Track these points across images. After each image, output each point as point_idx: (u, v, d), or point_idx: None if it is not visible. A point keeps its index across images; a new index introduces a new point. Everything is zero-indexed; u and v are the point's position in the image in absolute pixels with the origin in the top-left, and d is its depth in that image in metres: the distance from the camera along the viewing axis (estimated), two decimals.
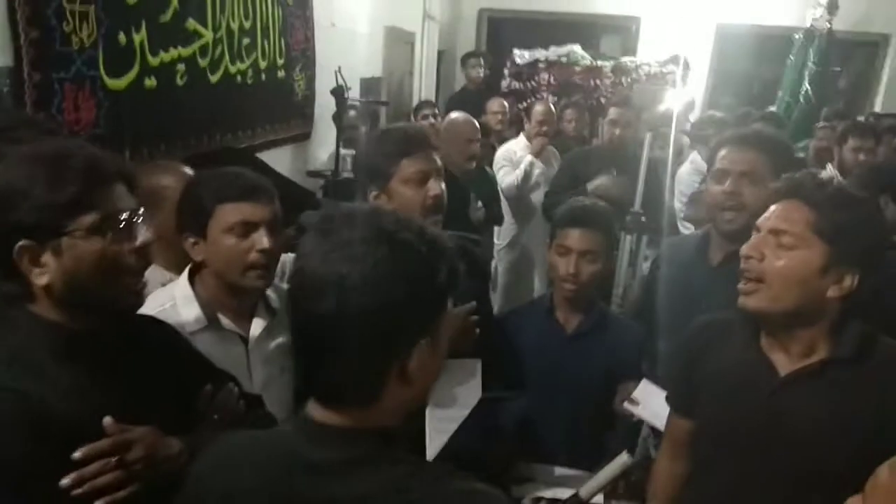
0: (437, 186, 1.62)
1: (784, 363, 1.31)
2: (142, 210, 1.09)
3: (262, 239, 1.44)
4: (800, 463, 1.27)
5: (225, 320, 1.51)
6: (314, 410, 0.86)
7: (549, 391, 1.84)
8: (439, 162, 1.67)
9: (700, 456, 1.45)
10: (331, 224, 0.82)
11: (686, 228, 3.26)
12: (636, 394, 1.75)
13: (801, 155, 4.44)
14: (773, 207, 1.31)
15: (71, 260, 1.00)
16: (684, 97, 5.02)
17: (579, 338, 1.88)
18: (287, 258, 2.03)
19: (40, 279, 1.01)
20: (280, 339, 1.60)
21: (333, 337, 0.80)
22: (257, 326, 1.55)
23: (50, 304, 1.03)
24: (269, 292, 1.60)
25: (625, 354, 1.88)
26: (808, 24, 5.84)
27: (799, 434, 1.27)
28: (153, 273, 1.74)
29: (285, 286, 1.75)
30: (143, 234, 1.08)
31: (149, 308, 1.44)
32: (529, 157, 3.89)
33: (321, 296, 0.79)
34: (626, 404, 1.76)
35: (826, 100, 5.80)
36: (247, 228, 1.44)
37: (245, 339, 1.53)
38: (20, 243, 0.98)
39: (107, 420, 1.02)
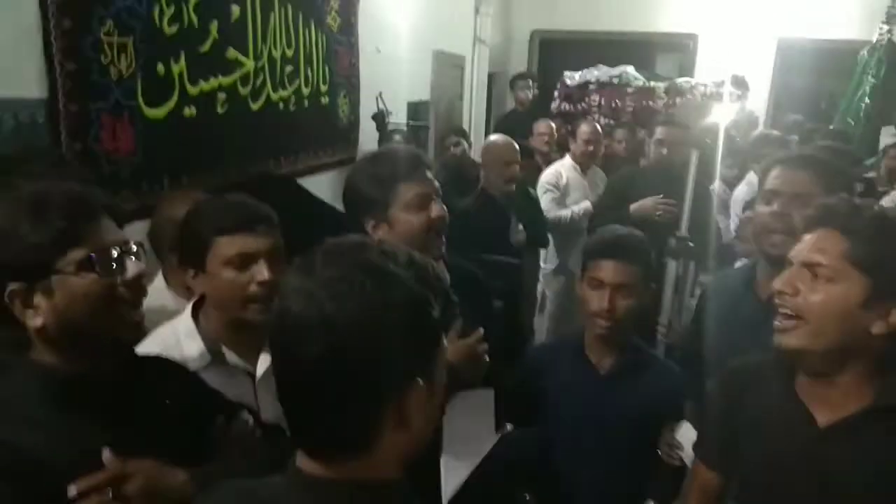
0: (438, 208, 1.57)
1: (823, 412, 1.19)
2: (132, 242, 1.08)
3: (261, 271, 1.40)
4: None
5: (230, 355, 1.47)
6: (303, 461, 0.81)
7: (578, 435, 1.71)
8: (437, 183, 1.61)
9: None
10: (313, 261, 0.78)
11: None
12: (679, 437, 1.63)
13: (872, 174, 4.20)
14: (805, 238, 1.21)
15: (62, 298, 0.99)
16: (740, 113, 4.83)
17: (613, 380, 1.74)
18: None
19: (34, 321, 1.00)
20: None
21: (321, 382, 0.76)
22: (264, 361, 1.49)
23: (46, 347, 1.03)
24: None
25: (663, 399, 1.72)
26: (874, 39, 5.57)
27: (843, 492, 1.15)
28: (174, 302, 1.76)
29: None
30: (135, 267, 1.06)
31: (152, 345, 1.43)
32: (586, 204, 3.80)
33: (305, 339, 0.74)
34: (668, 449, 1.64)
35: (890, 116, 5.51)
36: (245, 260, 1.40)
37: (252, 375, 1.49)
38: (10, 287, 0.98)
39: (106, 452, 1.00)
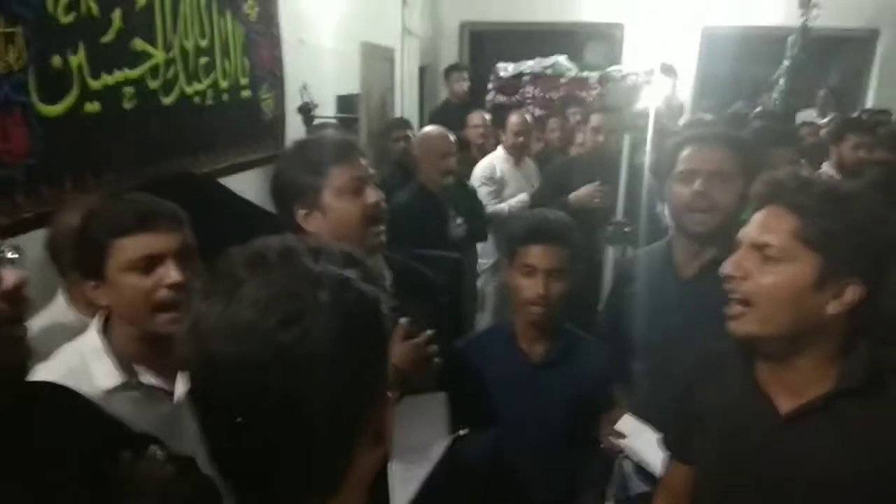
0: (374, 193, 1.47)
1: (784, 399, 1.13)
2: (6, 246, 0.92)
3: (169, 273, 1.26)
4: None
5: (146, 374, 1.32)
6: None
7: (518, 426, 1.68)
8: (372, 170, 1.52)
9: (701, 502, 1.28)
10: (233, 279, 0.61)
11: None
12: (620, 427, 1.59)
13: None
14: (754, 217, 1.14)
15: None
16: (668, 100, 4.89)
17: (547, 367, 1.72)
18: None
19: None
20: None
21: (280, 429, 0.61)
22: (185, 379, 1.37)
23: None
24: None
25: (598, 381, 1.73)
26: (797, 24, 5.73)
27: (806, 479, 1.09)
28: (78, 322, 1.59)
29: None
30: (11, 276, 0.89)
31: (54, 368, 1.28)
32: (522, 197, 3.73)
33: (254, 384, 0.59)
34: (611, 439, 1.60)
35: (803, 98, 5.71)
36: (150, 262, 1.26)
37: (171, 393, 1.35)
38: None
39: None
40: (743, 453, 1.16)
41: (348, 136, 1.66)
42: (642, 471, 1.65)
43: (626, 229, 2.60)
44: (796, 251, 1.08)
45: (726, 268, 1.15)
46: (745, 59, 6.85)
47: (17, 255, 0.92)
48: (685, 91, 6.51)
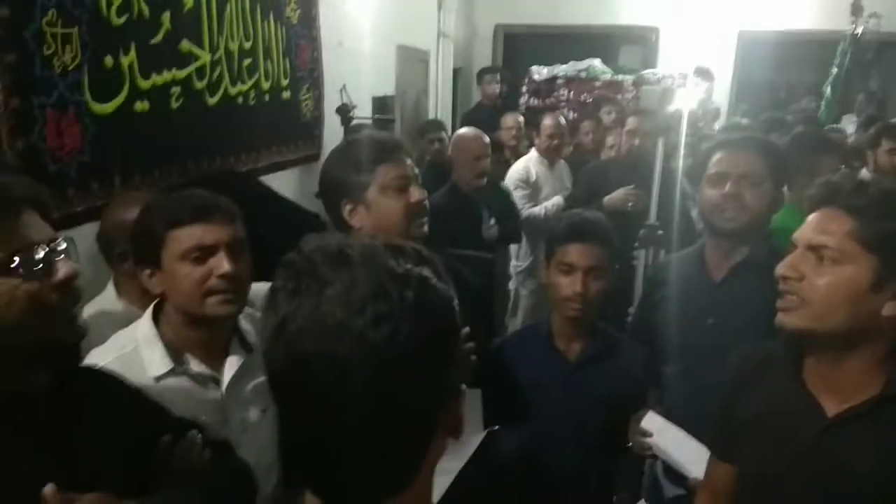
0: (418, 192, 1.52)
1: (831, 401, 1.14)
2: (61, 240, 0.95)
3: (221, 263, 1.32)
4: None
5: (194, 361, 1.38)
6: None
7: (553, 425, 1.70)
8: (416, 170, 1.57)
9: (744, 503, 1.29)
10: (314, 276, 0.61)
11: None
12: (645, 425, 1.60)
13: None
14: (809, 219, 1.15)
15: None
16: (704, 104, 4.85)
17: (583, 366, 1.74)
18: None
19: None
20: (258, 379, 1.45)
21: (368, 423, 0.61)
22: (232, 365, 1.41)
23: None
24: (245, 325, 1.47)
25: (632, 380, 1.75)
26: (839, 28, 5.64)
27: (851, 483, 1.09)
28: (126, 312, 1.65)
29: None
30: (64, 268, 0.93)
31: (108, 354, 1.34)
32: (558, 200, 3.74)
33: (344, 380, 0.59)
34: (638, 438, 1.61)
35: (849, 103, 5.62)
36: (203, 253, 1.32)
37: (219, 381, 1.40)
38: None
39: (48, 488, 0.88)
40: (788, 455, 1.17)
41: (395, 137, 1.71)
42: (671, 473, 1.66)
43: (659, 233, 2.59)
44: (853, 252, 1.08)
45: (781, 269, 1.16)
46: (781, 63, 6.77)
47: (67, 248, 0.97)
48: (721, 95, 6.44)
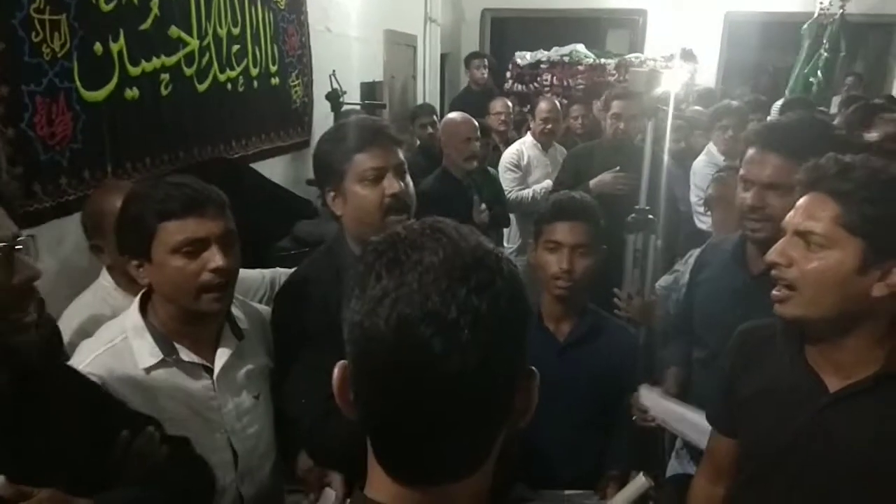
0: (394, 184, 1.47)
1: (832, 378, 1.16)
2: (24, 237, 0.94)
3: (214, 257, 1.29)
4: (852, 488, 1.13)
5: (184, 351, 1.36)
6: (383, 490, 0.66)
7: (545, 406, 1.70)
8: (401, 156, 1.52)
9: (744, 477, 1.31)
10: (416, 252, 0.61)
11: (703, 223, 3.11)
12: (643, 401, 1.63)
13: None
14: (797, 205, 1.17)
15: None
16: (689, 86, 4.86)
17: (573, 346, 1.74)
18: (277, 274, 1.93)
19: None
20: (250, 366, 1.47)
21: (463, 393, 0.60)
22: (223, 354, 1.41)
23: None
24: (236, 312, 1.47)
25: (622, 361, 1.76)
26: (816, 11, 5.66)
27: (849, 458, 1.12)
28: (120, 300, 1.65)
29: (262, 307, 1.64)
30: (24, 269, 0.92)
31: (97, 344, 1.34)
32: (547, 183, 3.75)
33: (451, 341, 0.58)
34: (640, 413, 1.65)
35: (836, 85, 5.64)
36: (196, 247, 1.29)
37: (210, 369, 1.39)
38: None
39: (0, 479, 0.87)
40: (789, 430, 1.19)
41: (379, 123, 1.64)
42: (689, 448, 1.68)
43: (650, 216, 2.60)
44: (839, 237, 1.10)
45: (771, 255, 1.17)
46: (765, 45, 6.79)
47: (30, 246, 0.95)
48: (709, 78, 6.47)
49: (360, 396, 0.65)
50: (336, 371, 0.67)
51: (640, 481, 1.41)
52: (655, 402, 1.65)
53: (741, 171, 1.67)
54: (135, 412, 1.20)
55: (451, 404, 0.61)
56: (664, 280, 2.41)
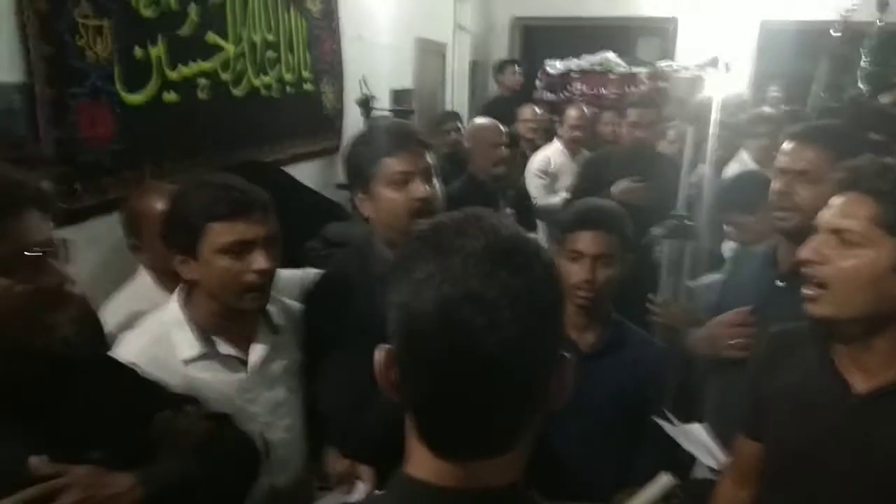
0: (421, 188, 1.48)
1: (860, 381, 1.16)
2: (58, 242, 0.97)
3: (258, 259, 1.35)
4: (880, 491, 1.12)
5: (222, 345, 1.41)
6: (424, 467, 0.69)
7: (563, 415, 1.66)
8: (430, 160, 1.54)
9: (770, 480, 1.31)
10: (460, 238, 0.65)
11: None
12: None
13: None
14: (831, 202, 1.17)
15: None
16: (732, 93, 4.80)
17: (597, 357, 1.69)
18: (308, 273, 1.96)
19: None
20: (284, 361, 1.51)
21: (502, 373, 0.63)
22: (258, 348, 1.45)
23: None
24: (271, 309, 1.51)
25: (649, 375, 1.70)
26: (840, 18, 5.55)
27: (877, 460, 1.12)
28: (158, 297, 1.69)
29: (296, 304, 1.68)
30: (55, 274, 0.95)
31: (138, 336, 1.39)
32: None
33: (492, 321, 0.61)
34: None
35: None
36: (242, 248, 1.34)
37: (246, 363, 1.44)
38: None
39: (34, 459, 0.91)
40: (816, 432, 1.19)
41: (407, 126, 1.67)
42: None
43: (687, 223, 2.58)
44: (875, 236, 1.10)
45: (803, 253, 1.17)
46: (801, 54, 6.69)
47: (63, 251, 0.98)
48: (741, 86, 6.40)
49: (405, 375, 0.68)
50: (379, 354, 0.69)
51: (663, 479, 1.40)
52: (681, 434, 1.62)
53: (776, 163, 1.67)
54: (174, 393, 1.24)
55: (492, 381, 0.64)
56: (705, 279, 2.38)
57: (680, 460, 1.71)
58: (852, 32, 5.52)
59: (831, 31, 5.54)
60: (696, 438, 1.61)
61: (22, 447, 0.93)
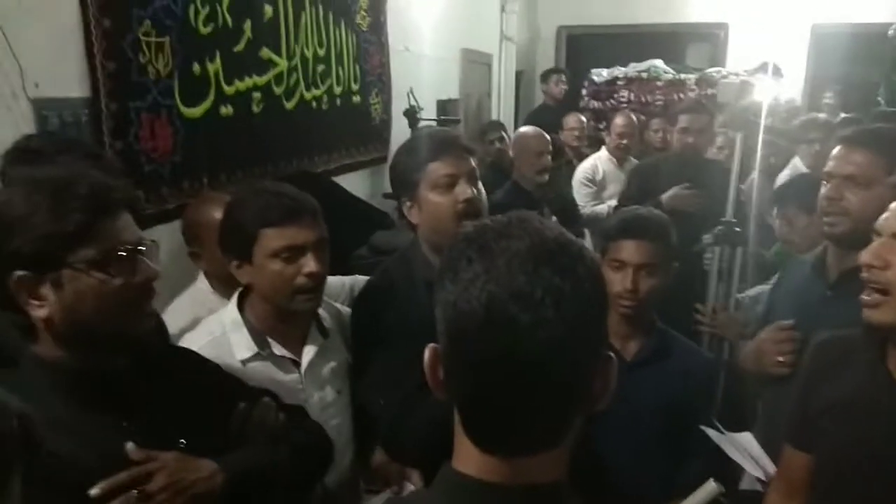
0: (466, 190, 1.51)
1: None
2: (148, 242, 1.05)
3: (309, 263, 1.40)
4: None
5: (276, 346, 1.47)
6: (472, 462, 0.70)
7: (609, 427, 1.55)
8: (473, 164, 1.56)
9: (821, 493, 1.28)
10: (504, 239, 0.66)
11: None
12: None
13: None
14: (893, 207, 1.15)
15: (71, 293, 0.95)
16: (783, 98, 4.70)
17: (640, 366, 1.67)
18: (356, 281, 2.01)
19: (38, 312, 0.95)
20: (333, 363, 1.56)
21: (546, 371, 0.65)
22: (310, 350, 1.51)
23: (52, 341, 0.99)
24: (322, 312, 1.56)
25: (694, 385, 1.67)
26: None
27: None
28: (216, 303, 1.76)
29: (345, 308, 1.72)
30: (146, 270, 1.03)
31: (200, 337, 1.46)
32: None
33: (537, 320, 0.63)
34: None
35: None
36: (293, 253, 1.40)
37: (298, 364, 1.50)
38: (17, 273, 0.93)
39: (129, 446, 0.98)
40: (871, 443, 1.16)
41: (450, 133, 1.71)
42: None
43: (737, 229, 2.54)
44: None
45: (865, 257, 1.15)
46: (856, 58, 6.50)
47: (153, 251, 1.06)
48: (795, 92, 6.26)
49: (452, 373, 0.69)
50: (427, 353, 0.72)
51: (709, 486, 1.38)
52: (731, 446, 1.60)
53: (825, 169, 1.64)
54: (251, 386, 1.30)
55: (537, 378, 0.65)
56: (753, 290, 2.34)
57: (726, 471, 1.68)
58: None
59: (889, 34, 5.37)
60: (744, 448, 1.58)
61: (117, 434, 1.00)
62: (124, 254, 0.99)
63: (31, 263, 0.93)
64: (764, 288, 2.27)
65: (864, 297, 1.15)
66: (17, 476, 0.72)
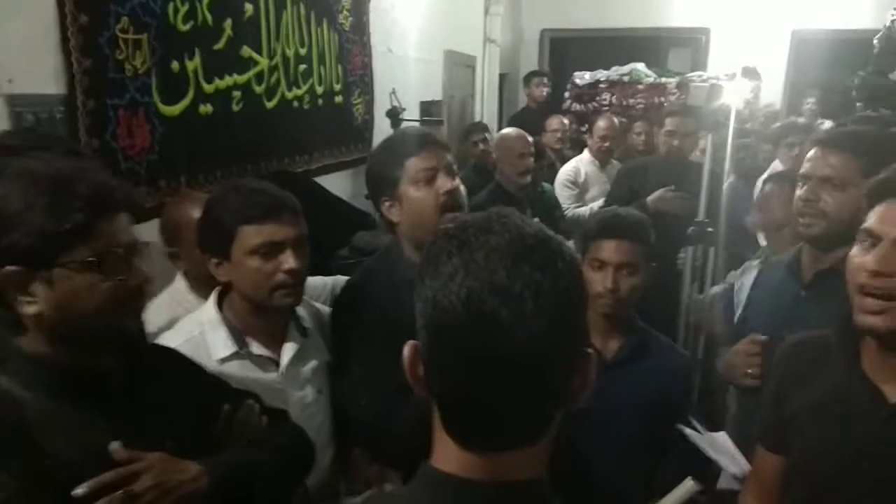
0: (447, 182, 1.52)
1: (893, 388, 1.14)
2: (141, 244, 1.04)
3: (288, 259, 1.40)
4: None
5: (255, 345, 1.46)
6: (450, 460, 0.70)
7: (588, 425, 1.57)
8: (450, 158, 1.58)
9: (797, 496, 1.28)
10: (484, 235, 0.66)
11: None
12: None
13: None
14: (884, 215, 1.14)
15: (62, 293, 0.94)
16: (754, 103, 4.76)
17: (621, 365, 1.69)
18: (337, 281, 2.00)
19: (28, 308, 0.94)
20: (314, 362, 1.55)
21: (526, 366, 0.65)
22: (289, 349, 1.50)
23: (40, 337, 0.97)
24: (301, 312, 1.55)
25: (673, 384, 1.69)
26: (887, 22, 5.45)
27: None
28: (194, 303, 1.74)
29: (325, 308, 1.71)
30: (139, 273, 1.02)
31: (177, 336, 1.44)
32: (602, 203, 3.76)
33: (518, 315, 0.63)
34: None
35: None
36: (272, 249, 1.39)
37: (277, 363, 1.49)
38: (7, 268, 0.92)
39: (114, 445, 0.97)
40: (850, 443, 1.16)
41: (426, 129, 1.72)
42: None
43: (709, 230, 2.58)
44: None
45: (872, 264, 1.12)
46: (835, 63, 6.59)
47: (146, 253, 1.05)
48: (775, 97, 6.33)
49: (433, 368, 0.69)
50: (406, 349, 0.71)
51: (687, 484, 1.39)
52: (710, 445, 1.61)
53: (801, 169, 1.65)
54: (234, 388, 1.29)
55: (516, 373, 0.65)
56: (716, 288, 2.37)
57: (704, 470, 1.69)
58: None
59: (874, 41, 5.45)
60: (721, 447, 1.59)
61: (103, 434, 0.99)
62: (119, 255, 0.98)
63: (24, 259, 0.92)
64: (723, 287, 2.30)
65: (869, 302, 1.12)
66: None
